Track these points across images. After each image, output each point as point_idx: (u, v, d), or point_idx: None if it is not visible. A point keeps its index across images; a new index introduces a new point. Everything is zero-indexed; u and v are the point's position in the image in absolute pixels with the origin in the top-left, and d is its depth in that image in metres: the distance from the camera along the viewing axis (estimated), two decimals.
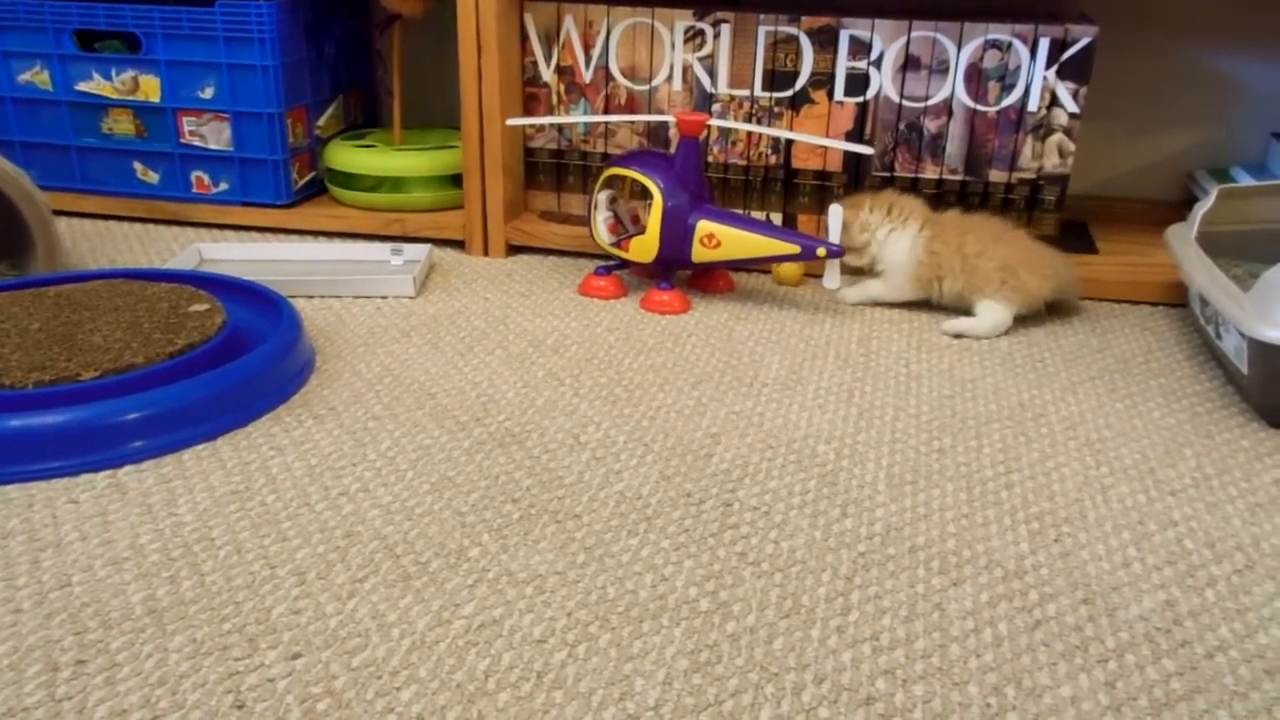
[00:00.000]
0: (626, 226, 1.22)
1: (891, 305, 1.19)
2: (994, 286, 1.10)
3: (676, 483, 0.81)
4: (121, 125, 1.41)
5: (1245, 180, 1.35)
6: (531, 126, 1.35)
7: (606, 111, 1.33)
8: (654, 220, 1.14)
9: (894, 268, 1.15)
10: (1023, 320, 1.15)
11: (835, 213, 1.09)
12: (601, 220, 1.20)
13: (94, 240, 1.36)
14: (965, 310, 1.13)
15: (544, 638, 0.64)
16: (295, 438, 0.87)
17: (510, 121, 1.22)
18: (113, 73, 1.38)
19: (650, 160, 1.16)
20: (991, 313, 1.11)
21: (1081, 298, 1.20)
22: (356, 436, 0.87)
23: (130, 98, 1.39)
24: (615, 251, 1.19)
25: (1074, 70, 1.18)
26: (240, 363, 0.90)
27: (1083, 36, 1.17)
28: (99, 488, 0.79)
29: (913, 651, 0.63)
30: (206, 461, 0.83)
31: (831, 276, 1.13)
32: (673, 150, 1.21)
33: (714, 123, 1.17)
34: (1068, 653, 0.63)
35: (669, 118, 1.18)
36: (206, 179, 1.42)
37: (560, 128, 1.34)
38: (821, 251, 1.10)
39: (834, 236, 1.10)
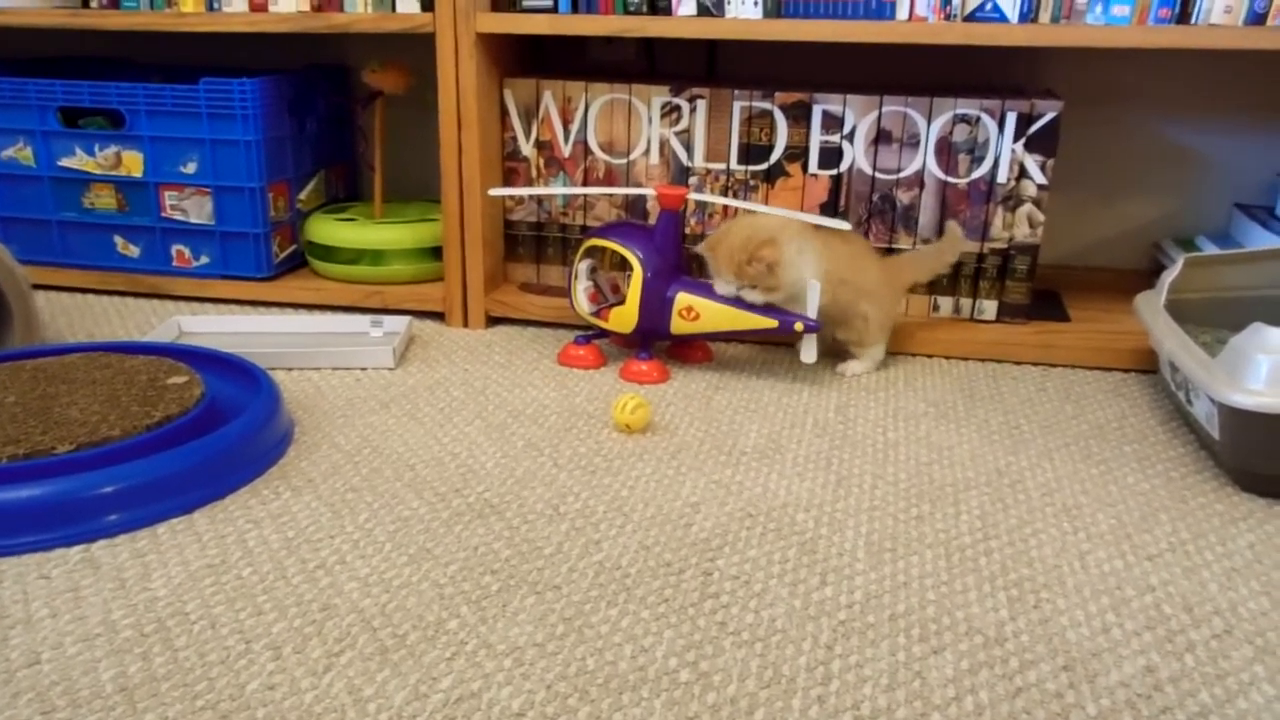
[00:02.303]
0: (606, 296, 1.23)
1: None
2: (857, 327, 1.18)
3: (656, 552, 0.81)
4: (103, 200, 1.42)
5: (1210, 249, 1.38)
6: (511, 199, 1.37)
7: (585, 183, 1.35)
8: (633, 292, 1.15)
9: (794, 290, 1.12)
10: (999, 389, 1.16)
11: (814, 288, 1.10)
12: (582, 290, 1.21)
13: (73, 314, 1.36)
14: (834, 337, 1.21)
15: (522, 711, 0.63)
16: (272, 510, 0.86)
17: (492, 191, 1.24)
18: (95, 148, 1.40)
19: (630, 232, 1.18)
20: (873, 353, 1.21)
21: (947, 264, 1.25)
22: (334, 508, 0.87)
23: (112, 173, 1.40)
24: (595, 321, 1.20)
25: (1041, 143, 1.21)
26: (217, 435, 0.90)
27: (1048, 111, 1.20)
28: (72, 563, 0.78)
29: None
30: (182, 535, 0.82)
31: (809, 351, 1.14)
32: (651, 222, 1.23)
33: (693, 196, 1.19)
34: None
35: (649, 191, 1.20)
36: (187, 252, 1.43)
37: (540, 200, 1.36)
38: (799, 326, 1.11)
39: (811, 311, 1.11)
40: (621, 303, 1.17)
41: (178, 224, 1.41)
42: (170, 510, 0.85)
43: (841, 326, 1.18)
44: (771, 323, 1.12)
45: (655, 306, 1.15)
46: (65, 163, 1.41)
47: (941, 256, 1.24)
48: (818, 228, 1.15)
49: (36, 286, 1.46)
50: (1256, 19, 1.09)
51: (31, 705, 0.62)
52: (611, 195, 1.33)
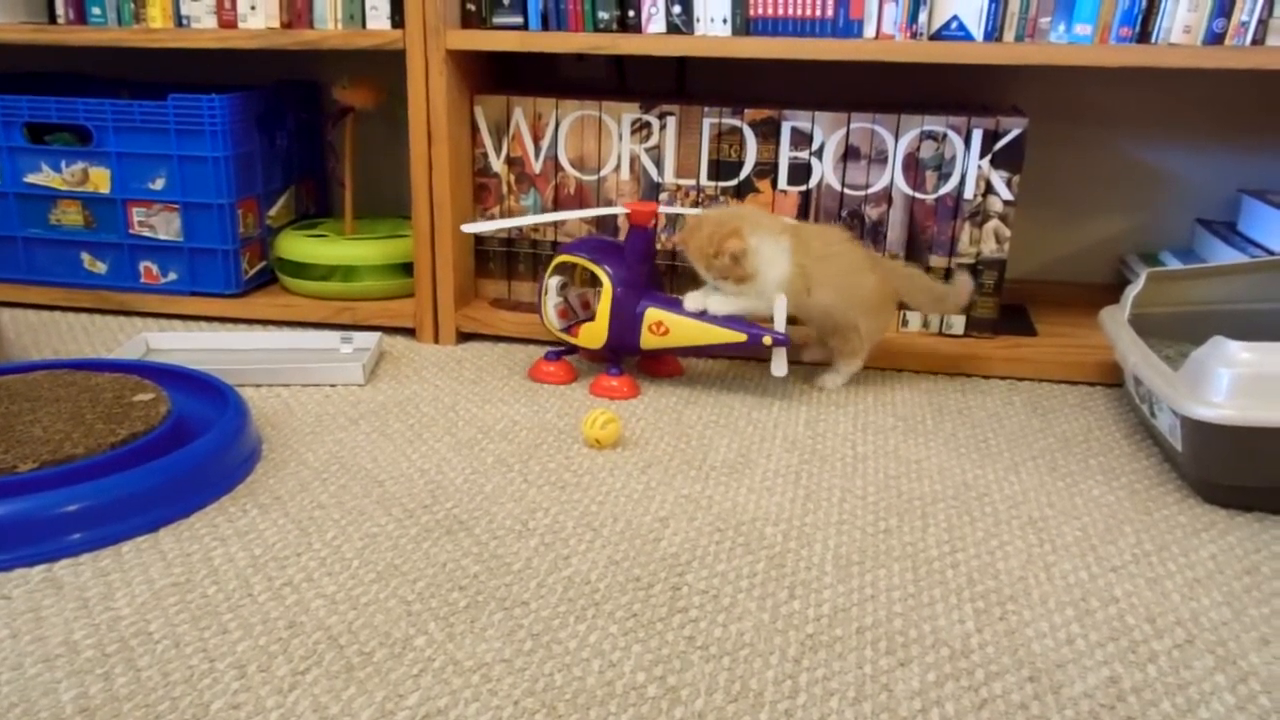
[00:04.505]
0: (576, 312, 1.23)
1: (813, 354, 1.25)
2: (850, 338, 1.18)
3: (625, 567, 0.81)
4: (70, 216, 1.41)
5: (1173, 264, 1.40)
6: (483, 220, 1.37)
7: (556, 199, 1.35)
8: (603, 307, 1.15)
9: (768, 281, 1.12)
10: (967, 402, 1.17)
11: (781, 302, 1.11)
12: (552, 306, 1.21)
13: (39, 331, 1.35)
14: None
15: None
16: (239, 528, 0.86)
17: (465, 228, 1.22)
18: (62, 165, 1.39)
19: (601, 248, 1.18)
20: (849, 367, 1.21)
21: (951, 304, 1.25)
22: (302, 526, 0.86)
23: (79, 189, 1.39)
24: (565, 337, 1.20)
25: (1007, 159, 1.23)
26: (183, 452, 0.89)
27: (1013, 128, 1.22)
28: (33, 582, 0.77)
29: None
30: (147, 553, 0.81)
31: (779, 364, 1.14)
32: (621, 237, 1.23)
33: (664, 210, 1.19)
34: None
35: (621, 209, 1.20)
36: (155, 269, 1.42)
37: (511, 215, 1.36)
38: (767, 340, 1.11)
39: (779, 325, 1.11)
40: (592, 319, 1.17)
41: (146, 240, 1.40)
42: (135, 529, 0.84)
43: (834, 335, 1.19)
44: (740, 336, 1.12)
45: (625, 322, 1.15)
46: (31, 179, 1.40)
47: (943, 301, 1.23)
48: (804, 234, 1.15)
49: (2, 303, 1.44)
50: (1215, 39, 1.11)
51: None
52: (582, 217, 1.33)
